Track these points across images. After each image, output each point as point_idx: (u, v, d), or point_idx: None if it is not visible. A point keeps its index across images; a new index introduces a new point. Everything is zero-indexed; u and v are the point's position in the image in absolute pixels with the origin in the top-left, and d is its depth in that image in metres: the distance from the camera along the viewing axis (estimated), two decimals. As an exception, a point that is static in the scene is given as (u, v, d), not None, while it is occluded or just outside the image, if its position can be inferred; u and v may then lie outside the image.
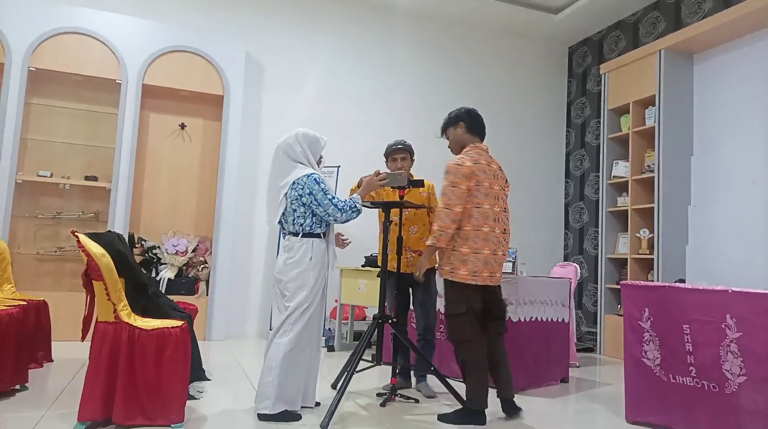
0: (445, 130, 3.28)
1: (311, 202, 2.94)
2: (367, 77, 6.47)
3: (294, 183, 2.98)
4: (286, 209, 3.01)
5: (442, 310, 3.76)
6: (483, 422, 2.98)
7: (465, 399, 3.07)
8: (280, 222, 3.06)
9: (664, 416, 3.00)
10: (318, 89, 6.26)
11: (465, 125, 3.19)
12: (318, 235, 2.99)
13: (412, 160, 3.74)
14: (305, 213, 2.96)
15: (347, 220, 3.01)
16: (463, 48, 6.92)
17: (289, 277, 2.94)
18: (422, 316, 3.62)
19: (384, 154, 3.77)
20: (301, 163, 3.04)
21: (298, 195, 2.95)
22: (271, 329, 2.99)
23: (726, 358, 2.70)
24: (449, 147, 3.29)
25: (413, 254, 3.60)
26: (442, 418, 3.03)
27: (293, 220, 2.98)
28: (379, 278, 3.33)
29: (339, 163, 5.78)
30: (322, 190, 2.94)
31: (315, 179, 2.96)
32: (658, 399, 3.02)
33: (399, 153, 3.67)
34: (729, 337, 2.69)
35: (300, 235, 2.96)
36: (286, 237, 3.03)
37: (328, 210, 2.93)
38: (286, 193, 3.00)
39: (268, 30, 6.12)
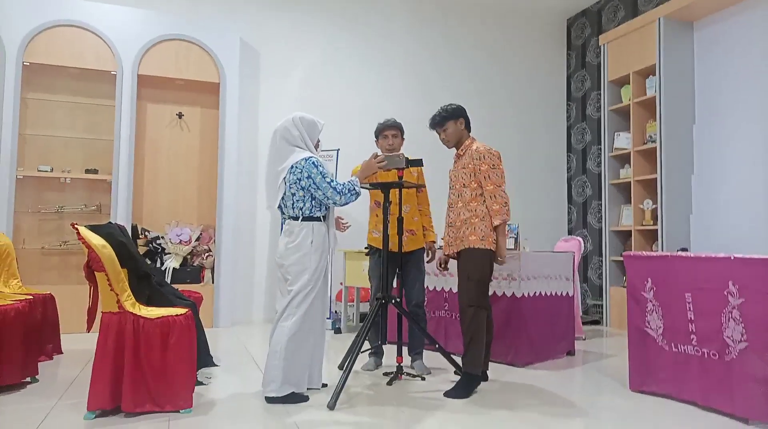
0: (444, 122, 3.33)
1: (310, 185, 2.94)
2: (364, 59, 6.41)
3: (292, 167, 2.97)
4: (285, 194, 3.01)
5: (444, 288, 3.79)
6: (479, 382, 3.20)
7: (465, 365, 3.16)
8: (279, 207, 3.07)
9: (665, 385, 3.02)
10: (315, 73, 6.21)
11: (464, 121, 3.35)
12: (318, 219, 2.99)
13: (403, 138, 3.73)
14: (304, 197, 2.96)
15: (346, 203, 3.01)
16: (461, 25, 6.83)
17: (290, 261, 2.95)
18: (415, 294, 3.65)
19: (374, 133, 3.77)
20: (299, 147, 3.03)
21: (297, 179, 2.95)
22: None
23: (727, 325, 2.70)
24: (445, 138, 3.37)
25: (407, 234, 3.60)
26: (450, 394, 3.08)
27: (293, 205, 2.99)
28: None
29: (338, 147, 5.76)
30: (321, 173, 2.94)
31: (313, 163, 2.95)
32: (660, 368, 3.03)
33: (390, 130, 3.67)
34: (731, 304, 2.68)
35: (300, 219, 2.97)
36: (287, 221, 3.03)
37: (327, 193, 2.93)
38: (284, 178, 3.00)
39: (262, 15, 6.06)
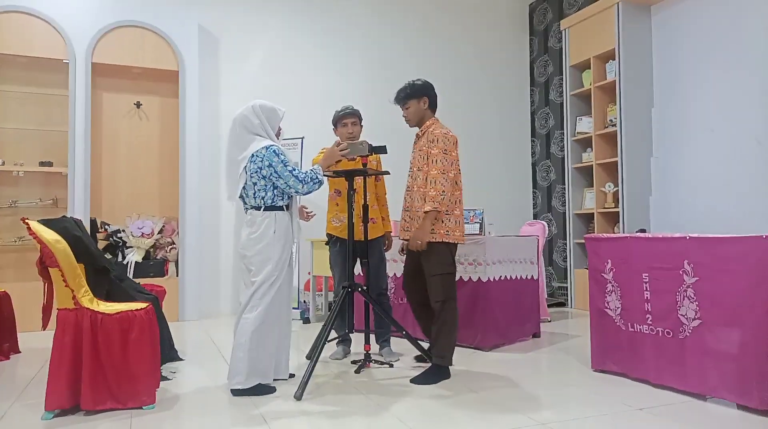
0: (406, 100, 3.25)
1: (271, 174, 2.89)
2: (326, 44, 6.33)
3: (253, 156, 2.92)
4: (246, 183, 2.96)
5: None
6: (449, 375, 3.17)
7: (434, 357, 3.17)
8: (241, 196, 3.01)
9: (623, 364, 3.10)
10: (276, 60, 6.10)
11: (428, 101, 3.26)
12: (281, 208, 2.95)
13: (361, 125, 3.70)
14: (266, 186, 2.92)
15: (309, 192, 2.98)
16: (423, 9, 6.80)
17: (253, 251, 2.91)
18: (377, 282, 3.65)
19: (332, 121, 3.72)
20: (260, 136, 2.98)
21: (258, 168, 2.90)
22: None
23: (682, 304, 2.78)
24: (406, 117, 3.30)
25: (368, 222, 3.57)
26: (417, 380, 3.09)
27: (254, 194, 2.94)
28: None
29: (303, 135, 5.69)
30: (282, 161, 2.90)
31: (274, 151, 2.91)
32: (619, 347, 3.11)
33: (349, 118, 3.64)
34: (686, 283, 2.76)
35: (262, 209, 2.93)
36: (248, 211, 2.98)
37: (289, 182, 2.90)
38: (245, 167, 2.95)
39: (220, 1, 5.91)
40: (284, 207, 2.97)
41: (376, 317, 3.64)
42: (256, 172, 2.91)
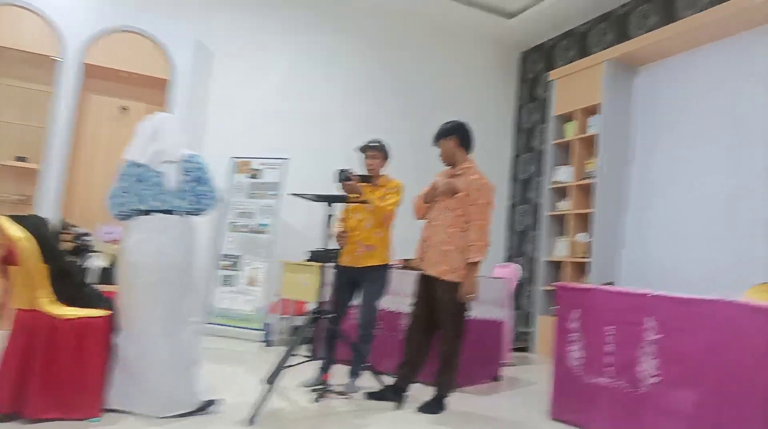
0: (436, 140, 3.42)
1: None
2: (319, 70, 6.39)
3: None
4: None
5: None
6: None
7: (443, 387, 3.27)
8: None
9: (581, 415, 3.10)
10: (269, 80, 6.14)
11: (457, 139, 3.37)
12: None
13: (385, 160, 3.71)
14: None
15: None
16: (417, 46, 6.94)
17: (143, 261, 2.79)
18: (367, 311, 3.59)
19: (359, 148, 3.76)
20: None
21: None
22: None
23: (642, 360, 2.81)
24: (440, 156, 3.43)
25: (363, 249, 3.56)
26: (425, 409, 3.18)
27: None
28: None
29: (288, 156, 5.68)
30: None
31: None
32: (578, 398, 3.12)
33: (369, 151, 3.68)
34: (647, 339, 2.80)
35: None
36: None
37: None
38: None
39: (219, 16, 5.96)
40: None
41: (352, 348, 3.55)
42: None
